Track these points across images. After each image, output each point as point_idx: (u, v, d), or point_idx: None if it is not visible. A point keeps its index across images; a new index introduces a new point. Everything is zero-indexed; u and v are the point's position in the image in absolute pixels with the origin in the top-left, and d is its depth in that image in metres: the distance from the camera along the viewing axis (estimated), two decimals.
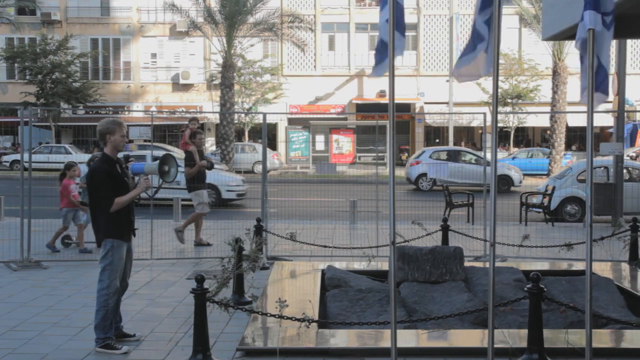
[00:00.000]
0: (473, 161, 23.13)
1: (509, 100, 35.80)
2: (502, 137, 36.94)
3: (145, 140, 34.35)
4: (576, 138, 35.14)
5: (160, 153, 10.29)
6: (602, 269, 9.12)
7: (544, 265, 9.82)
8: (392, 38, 4.50)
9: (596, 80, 4.62)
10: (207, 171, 11.58)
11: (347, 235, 12.81)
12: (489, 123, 11.29)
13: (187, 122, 11.75)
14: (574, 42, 4.74)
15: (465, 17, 38.58)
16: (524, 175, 25.29)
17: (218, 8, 30.44)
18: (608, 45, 4.64)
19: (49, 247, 10.75)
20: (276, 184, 21.69)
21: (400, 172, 25.98)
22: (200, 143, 11.48)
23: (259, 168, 25.88)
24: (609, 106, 15.50)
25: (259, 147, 32.18)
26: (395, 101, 4.65)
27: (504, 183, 22.76)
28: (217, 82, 35.00)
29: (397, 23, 4.49)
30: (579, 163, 17.72)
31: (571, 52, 27.74)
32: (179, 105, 39.11)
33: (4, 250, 10.55)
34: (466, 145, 36.13)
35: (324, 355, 5.78)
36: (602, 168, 15.92)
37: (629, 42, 28.02)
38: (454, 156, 24.31)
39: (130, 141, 30.85)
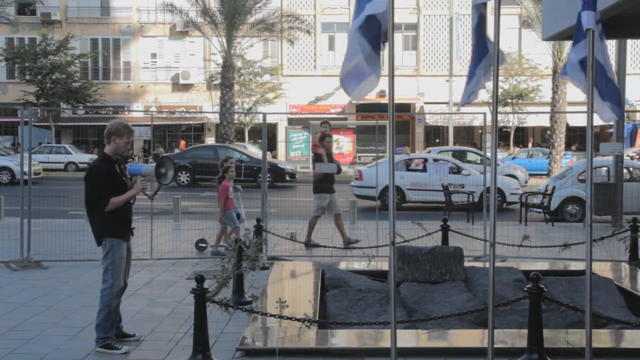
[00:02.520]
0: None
1: (509, 100, 35.79)
2: (502, 137, 36.93)
3: (145, 141, 34.39)
4: (576, 138, 35.14)
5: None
6: (602, 269, 9.11)
7: (544, 265, 9.82)
8: (392, 38, 4.49)
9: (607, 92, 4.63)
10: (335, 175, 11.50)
11: (348, 234, 12.79)
12: (489, 123, 11.29)
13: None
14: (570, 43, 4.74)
15: (465, 17, 38.56)
16: None
17: (218, 8, 30.45)
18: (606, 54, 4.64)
19: (215, 254, 10.49)
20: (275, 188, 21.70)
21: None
22: (329, 146, 11.48)
23: None
24: None
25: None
26: (395, 101, 4.65)
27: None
28: (217, 82, 34.99)
29: (372, 37, 4.38)
30: (579, 163, 17.71)
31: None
32: (178, 105, 39.11)
33: (4, 250, 10.55)
34: (467, 146, 36.10)
35: (324, 355, 5.78)
36: (604, 168, 15.91)
37: (629, 42, 27.99)
38: (459, 157, 24.25)
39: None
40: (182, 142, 36.80)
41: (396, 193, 17.86)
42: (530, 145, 38.99)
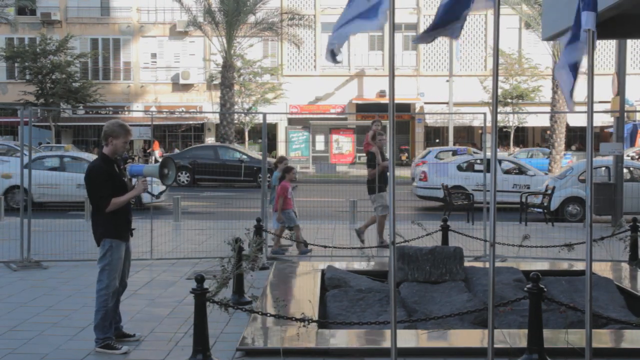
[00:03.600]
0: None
1: (509, 101, 35.80)
2: (502, 137, 36.93)
3: (145, 141, 34.38)
4: (576, 138, 35.14)
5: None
6: (602, 269, 9.12)
7: (544, 265, 9.83)
8: (392, 38, 4.49)
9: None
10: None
11: (347, 235, 12.80)
12: (489, 123, 11.29)
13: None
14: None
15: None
16: None
17: (218, 7, 30.46)
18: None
19: (275, 252, 10.55)
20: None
21: (400, 172, 25.98)
22: (382, 144, 11.39)
23: None
24: (609, 106, 15.48)
25: None
26: (395, 101, 4.65)
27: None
28: (217, 82, 34.99)
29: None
30: (580, 163, 17.70)
31: None
32: (178, 105, 39.11)
33: (4, 250, 10.55)
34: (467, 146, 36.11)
35: (324, 355, 5.79)
36: (604, 168, 15.91)
37: (629, 42, 28.00)
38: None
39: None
40: (156, 143, 36.12)
41: (462, 194, 17.85)
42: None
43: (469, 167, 18.90)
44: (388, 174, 10.87)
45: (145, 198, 14.71)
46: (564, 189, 15.75)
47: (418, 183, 18.50)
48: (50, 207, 16.43)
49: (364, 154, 11.87)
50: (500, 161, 19.24)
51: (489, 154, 10.66)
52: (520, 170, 18.75)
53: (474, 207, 15.03)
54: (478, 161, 19.51)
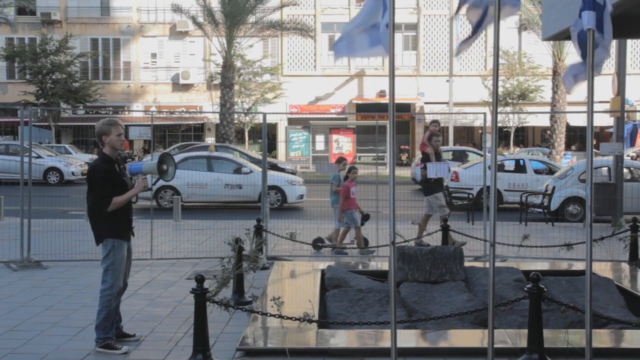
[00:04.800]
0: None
1: (510, 100, 35.79)
2: (502, 137, 36.93)
3: (145, 141, 34.37)
4: (576, 138, 35.10)
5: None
6: (602, 269, 9.12)
7: (544, 265, 9.82)
8: (392, 38, 4.49)
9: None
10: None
11: (347, 235, 12.79)
12: (489, 123, 11.28)
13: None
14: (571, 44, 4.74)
15: (465, 17, 38.48)
16: None
17: (218, 7, 30.46)
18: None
19: (339, 252, 10.62)
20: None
21: (400, 172, 25.96)
22: (437, 145, 11.39)
23: None
24: (609, 106, 15.49)
25: None
26: (395, 101, 4.64)
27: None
28: (217, 82, 34.98)
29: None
30: (580, 163, 17.69)
31: (571, 52, 27.71)
32: (178, 105, 39.11)
33: (4, 250, 10.55)
34: (467, 146, 36.09)
35: (324, 355, 5.78)
36: (605, 168, 15.90)
37: (629, 42, 28.00)
38: (459, 157, 24.21)
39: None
40: (126, 143, 35.79)
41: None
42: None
43: (499, 167, 18.92)
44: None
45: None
46: (565, 189, 15.73)
47: (449, 183, 18.41)
48: (198, 207, 16.81)
49: (421, 154, 11.73)
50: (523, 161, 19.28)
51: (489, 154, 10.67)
52: (551, 171, 18.73)
53: (474, 207, 15.04)
54: (506, 162, 19.55)
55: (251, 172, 18.02)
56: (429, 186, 11.21)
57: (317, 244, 11.00)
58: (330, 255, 10.47)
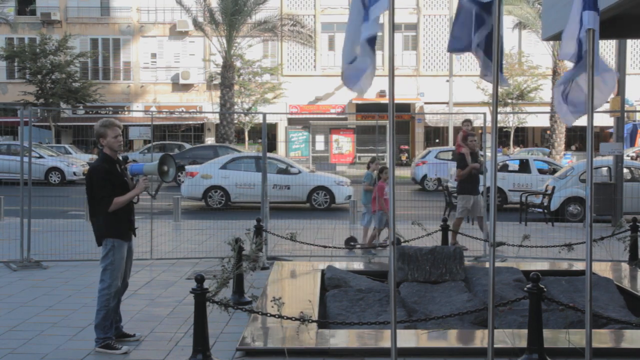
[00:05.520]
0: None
1: (510, 101, 35.81)
2: (502, 137, 36.93)
3: (145, 141, 34.38)
4: (576, 138, 35.11)
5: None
6: (602, 269, 9.12)
7: (544, 265, 9.82)
8: (392, 38, 4.49)
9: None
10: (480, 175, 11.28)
11: (347, 235, 12.80)
12: (489, 123, 11.28)
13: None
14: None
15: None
16: None
17: (218, 8, 30.46)
18: None
19: (370, 252, 10.64)
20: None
21: (401, 172, 25.98)
22: (473, 145, 11.26)
23: None
24: (609, 106, 15.50)
25: None
26: (395, 101, 4.64)
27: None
28: (217, 82, 34.99)
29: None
30: (581, 163, 17.68)
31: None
32: (178, 105, 39.11)
33: (4, 250, 10.55)
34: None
35: (324, 355, 5.78)
36: (605, 168, 15.89)
37: (629, 42, 28.01)
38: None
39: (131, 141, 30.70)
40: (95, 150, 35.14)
41: (498, 194, 17.80)
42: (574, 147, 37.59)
43: (504, 167, 18.91)
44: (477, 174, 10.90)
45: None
46: (565, 189, 15.71)
47: (452, 183, 18.40)
48: (245, 206, 16.96)
49: (457, 154, 11.61)
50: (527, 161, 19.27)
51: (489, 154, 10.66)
52: (555, 171, 18.73)
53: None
54: (510, 162, 19.51)
55: (299, 172, 18.01)
56: (463, 187, 11.11)
57: (350, 243, 11.02)
58: (331, 255, 10.45)
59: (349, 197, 17.46)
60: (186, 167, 19.14)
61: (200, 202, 17.89)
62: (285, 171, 18.17)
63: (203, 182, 17.65)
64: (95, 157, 28.94)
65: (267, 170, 18.17)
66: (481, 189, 11.21)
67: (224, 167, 18.02)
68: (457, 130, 37.46)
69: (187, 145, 30.70)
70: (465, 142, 11.25)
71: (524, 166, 19.16)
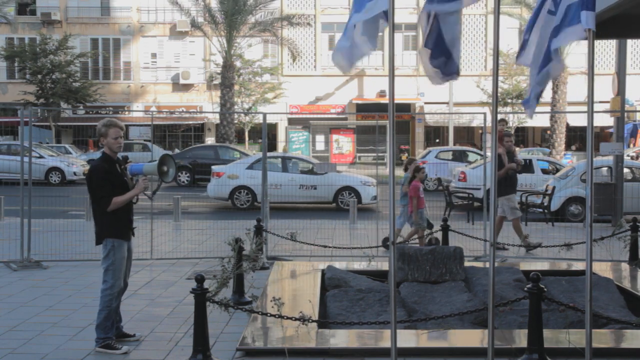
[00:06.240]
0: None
1: (509, 100, 35.81)
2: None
3: (145, 140, 34.38)
4: (576, 138, 35.12)
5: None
6: (602, 269, 9.12)
7: (544, 265, 9.82)
8: (392, 38, 4.50)
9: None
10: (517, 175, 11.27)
11: (347, 235, 12.81)
12: (489, 123, 11.29)
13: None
14: (573, 42, 4.73)
15: (465, 17, 38.53)
16: None
17: (218, 7, 30.47)
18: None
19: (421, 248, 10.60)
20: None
21: (400, 172, 25.95)
22: (509, 145, 11.21)
23: None
24: (609, 106, 15.49)
25: None
26: (395, 101, 4.65)
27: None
28: (217, 82, 35.00)
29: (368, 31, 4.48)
30: (582, 163, 17.66)
31: (571, 52, 27.76)
32: (179, 105, 39.11)
33: (4, 250, 10.55)
34: (467, 146, 36.08)
35: (324, 355, 5.79)
36: (605, 168, 15.89)
37: (629, 42, 28.01)
38: (459, 157, 24.21)
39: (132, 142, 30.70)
40: (90, 142, 34.97)
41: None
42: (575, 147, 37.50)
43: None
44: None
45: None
46: (566, 189, 15.67)
47: (456, 183, 18.34)
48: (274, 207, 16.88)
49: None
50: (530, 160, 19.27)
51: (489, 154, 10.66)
52: (558, 171, 18.71)
53: (474, 206, 15.03)
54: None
55: (326, 172, 18.02)
56: (502, 188, 10.96)
57: (387, 243, 10.99)
58: (331, 255, 10.45)
59: (375, 197, 17.42)
60: (213, 167, 19.14)
61: (227, 202, 17.89)
62: (311, 171, 18.15)
63: (230, 182, 17.71)
64: (90, 154, 28.95)
65: (292, 170, 18.37)
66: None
67: (250, 167, 18.02)
68: (457, 130, 37.63)
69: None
70: (501, 142, 11.18)
71: (527, 166, 19.16)
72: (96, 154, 25.87)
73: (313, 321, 6.02)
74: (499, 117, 11.63)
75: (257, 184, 17.06)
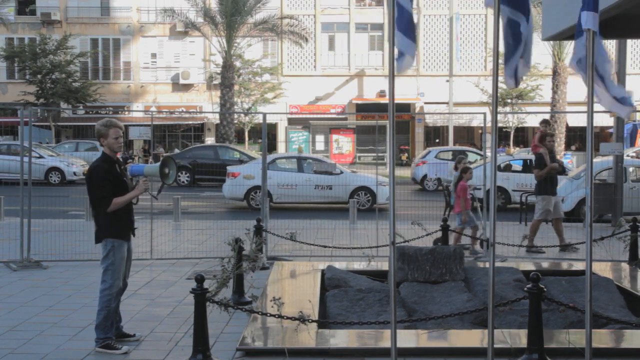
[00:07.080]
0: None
1: (509, 100, 35.81)
2: (502, 137, 36.92)
3: (145, 141, 34.37)
4: (576, 138, 35.08)
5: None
6: (602, 269, 9.12)
7: (544, 265, 9.83)
8: (392, 38, 4.49)
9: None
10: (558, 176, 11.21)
11: (347, 235, 12.81)
12: (488, 123, 11.28)
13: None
14: (573, 42, 4.71)
15: (465, 17, 38.56)
16: None
17: (218, 8, 30.48)
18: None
19: (473, 252, 10.58)
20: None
21: (400, 172, 25.97)
22: (551, 145, 11.17)
23: None
24: None
25: None
26: (395, 101, 4.64)
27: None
28: (217, 82, 35.00)
29: (402, 24, 4.46)
30: (596, 163, 17.53)
31: (571, 52, 27.73)
32: (178, 105, 39.11)
33: (4, 250, 10.55)
34: (467, 146, 36.07)
35: (324, 355, 5.78)
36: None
37: (629, 42, 28.02)
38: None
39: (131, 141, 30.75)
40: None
41: (501, 194, 17.78)
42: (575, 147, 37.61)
43: (507, 167, 18.84)
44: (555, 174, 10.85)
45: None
46: (579, 190, 15.39)
47: None
48: (288, 207, 16.99)
49: (534, 155, 11.51)
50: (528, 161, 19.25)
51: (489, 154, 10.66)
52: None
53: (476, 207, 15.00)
54: (514, 162, 19.48)
55: (341, 172, 18.01)
56: (542, 187, 10.99)
57: (437, 243, 10.97)
58: (331, 255, 10.45)
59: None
60: (228, 167, 19.11)
61: (242, 203, 17.88)
62: (326, 171, 18.20)
63: (245, 183, 17.69)
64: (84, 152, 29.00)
65: (307, 170, 18.37)
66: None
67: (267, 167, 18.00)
68: (457, 130, 37.63)
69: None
70: (542, 142, 11.14)
71: (528, 166, 19.13)
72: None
73: (313, 321, 6.02)
74: (543, 117, 11.50)
75: (273, 184, 17.11)
